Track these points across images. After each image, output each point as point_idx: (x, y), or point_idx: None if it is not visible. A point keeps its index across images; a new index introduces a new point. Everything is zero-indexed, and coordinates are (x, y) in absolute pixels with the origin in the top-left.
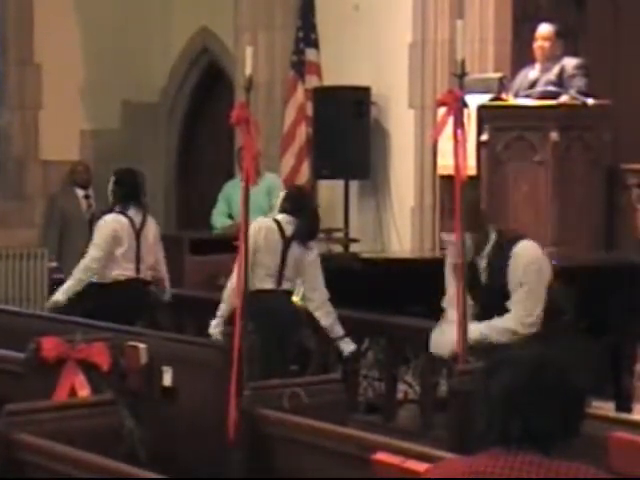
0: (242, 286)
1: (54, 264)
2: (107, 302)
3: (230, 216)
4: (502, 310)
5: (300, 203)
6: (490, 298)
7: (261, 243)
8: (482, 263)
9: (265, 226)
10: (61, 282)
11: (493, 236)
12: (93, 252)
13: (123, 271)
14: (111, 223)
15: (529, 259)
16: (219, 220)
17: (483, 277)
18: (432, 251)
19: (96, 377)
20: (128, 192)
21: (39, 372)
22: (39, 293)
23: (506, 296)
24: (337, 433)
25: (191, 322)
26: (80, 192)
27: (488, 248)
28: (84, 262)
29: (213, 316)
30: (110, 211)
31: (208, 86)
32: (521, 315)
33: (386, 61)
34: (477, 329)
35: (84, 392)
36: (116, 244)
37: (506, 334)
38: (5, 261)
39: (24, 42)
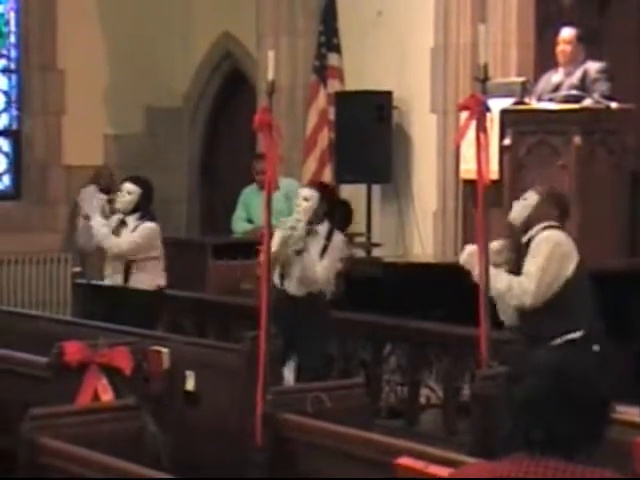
0: (267, 290)
1: (78, 269)
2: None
3: (250, 221)
4: None
5: (334, 199)
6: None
7: None
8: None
9: None
10: (85, 287)
11: (543, 224)
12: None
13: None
14: (155, 229)
15: (547, 238)
16: (239, 225)
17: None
18: (454, 255)
19: (119, 381)
20: (150, 202)
21: (62, 376)
22: (62, 298)
23: None
24: (360, 438)
25: (213, 326)
26: (103, 197)
27: (533, 231)
28: (117, 242)
29: (236, 320)
30: (142, 217)
31: (230, 91)
32: (521, 281)
33: (408, 65)
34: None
35: (107, 396)
36: (152, 249)
37: (496, 289)
38: (29, 266)
39: (47, 48)
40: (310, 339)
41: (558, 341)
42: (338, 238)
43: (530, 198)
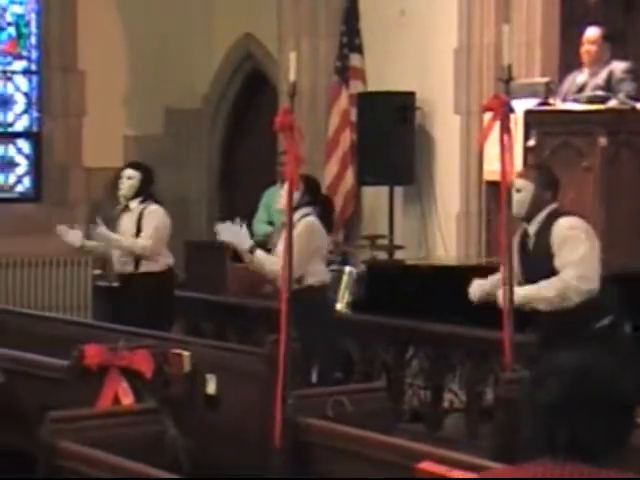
0: (287, 292)
1: (98, 271)
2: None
3: (271, 223)
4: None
5: (318, 192)
6: (534, 268)
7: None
8: (531, 232)
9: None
10: (105, 289)
11: (546, 211)
12: (150, 240)
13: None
14: (160, 210)
15: (571, 224)
16: (260, 228)
17: (530, 246)
18: (478, 258)
19: (139, 385)
20: (152, 186)
21: (82, 380)
22: (82, 301)
23: (549, 267)
24: (381, 442)
25: (234, 329)
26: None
27: (539, 219)
28: (136, 244)
29: (255, 324)
30: (144, 200)
31: (251, 92)
32: (572, 275)
33: (431, 66)
34: (519, 293)
35: (127, 400)
36: (165, 235)
37: (548, 299)
38: (49, 268)
39: (68, 49)
40: (312, 341)
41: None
42: (302, 225)
43: (525, 189)
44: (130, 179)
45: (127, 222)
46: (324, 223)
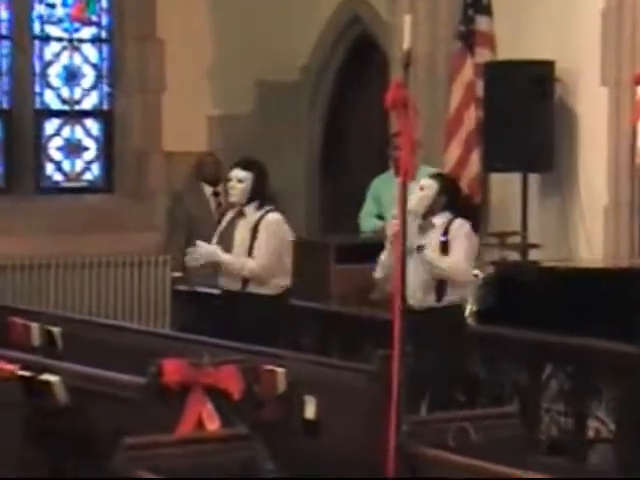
0: (400, 299)
1: (178, 274)
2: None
3: (381, 217)
4: None
5: (458, 194)
6: None
7: None
8: None
9: None
10: (186, 294)
11: None
12: (262, 261)
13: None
14: (280, 220)
15: None
16: (368, 222)
17: None
18: (630, 259)
19: (226, 407)
20: (265, 186)
21: (161, 400)
22: (160, 307)
23: None
24: (513, 477)
25: (337, 343)
26: (208, 189)
27: None
28: (245, 267)
29: (363, 335)
30: (261, 205)
31: (358, 62)
32: None
33: (574, 29)
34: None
35: (213, 424)
36: (284, 252)
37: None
38: (122, 269)
39: (145, 15)
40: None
41: None
42: (461, 228)
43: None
44: (241, 182)
45: (242, 232)
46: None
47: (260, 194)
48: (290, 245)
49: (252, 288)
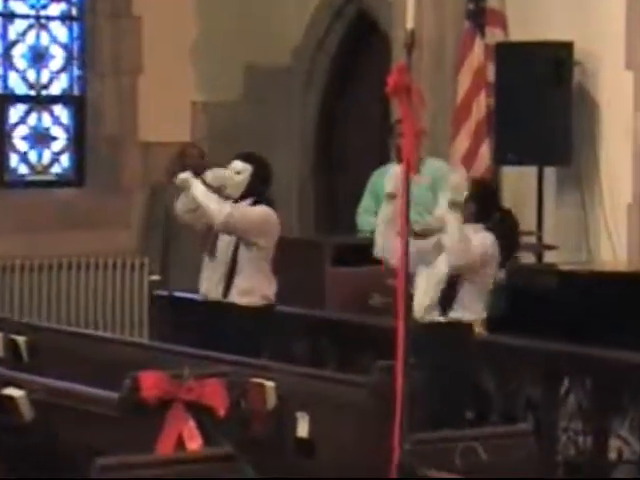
0: (404, 305)
1: (157, 277)
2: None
3: None
4: None
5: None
6: None
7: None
8: None
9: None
10: (166, 300)
11: None
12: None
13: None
14: (271, 213)
15: None
16: (366, 219)
17: None
18: None
19: (210, 424)
20: (266, 186)
21: (137, 417)
22: (137, 314)
23: None
24: None
25: (333, 353)
26: None
27: None
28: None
29: (362, 345)
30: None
31: (356, 44)
32: None
33: (595, 7)
34: None
35: (194, 443)
36: (261, 235)
37: None
38: (94, 272)
39: None
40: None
41: None
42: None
43: None
44: (239, 174)
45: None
46: (504, 245)
47: (256, 191)
48: (274, 247)
49: (235, 298)
